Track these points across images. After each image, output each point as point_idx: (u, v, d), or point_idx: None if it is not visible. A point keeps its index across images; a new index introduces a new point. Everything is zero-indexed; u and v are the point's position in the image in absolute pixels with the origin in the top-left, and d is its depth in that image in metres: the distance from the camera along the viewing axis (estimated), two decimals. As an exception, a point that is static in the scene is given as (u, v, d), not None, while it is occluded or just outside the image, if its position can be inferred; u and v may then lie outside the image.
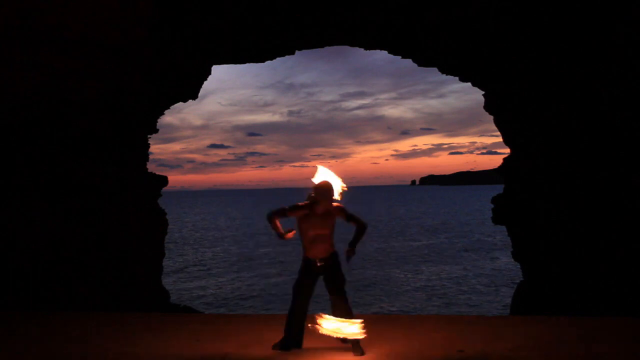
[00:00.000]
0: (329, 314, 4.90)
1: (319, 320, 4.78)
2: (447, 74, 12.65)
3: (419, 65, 12.72)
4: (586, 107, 9.76)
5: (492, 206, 12.37)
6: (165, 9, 9.84)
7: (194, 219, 79.78)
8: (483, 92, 12.50)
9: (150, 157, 11.70)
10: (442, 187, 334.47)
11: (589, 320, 6.82)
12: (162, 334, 5.93)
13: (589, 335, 5.66)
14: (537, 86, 10.50)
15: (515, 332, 5.89)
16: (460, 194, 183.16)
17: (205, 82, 12.70)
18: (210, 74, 12.64)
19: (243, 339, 5.56)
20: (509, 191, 11.98)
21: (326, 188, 4.90)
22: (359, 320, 4.79)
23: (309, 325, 4.85)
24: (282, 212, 4.90)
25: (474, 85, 12.41)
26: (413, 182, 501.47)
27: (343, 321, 4.80)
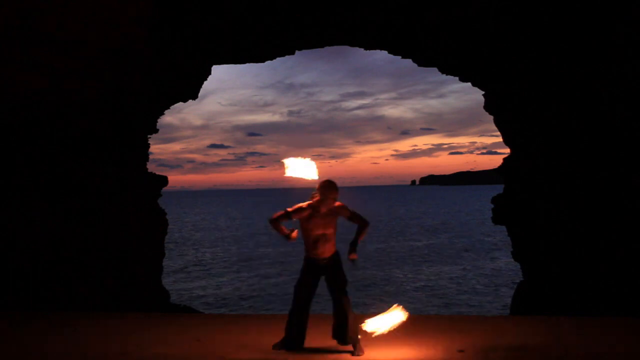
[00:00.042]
0: (334, 313, 4.92)
1: (364, 327, 4.81)
2: (447, 74, 12.64)
3: (419, 65, 12.72)
4: (586, 107, 9.75)
5: (492, 206, 12.37)
6: (165, 9, 9.84)
7: (194, 219, 79.76)
8: (483, 92, 12.49)
9: (150, 157, 11.71)
10: (442, 187, 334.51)
11: (589, 320, 6.82)
12: (162, 334, 5.93)
13: (589, 335, 5.66)
14: (537, 86, 10.50)
15: (515, 332, 5.89)
16: (460, 194, 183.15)
17: (205, 82, 12.70)
18: (210, 74, 12.64)
19: (243, 339, 5.56)
20: (509, 191, 11.98)
21: (329, 185, 4.88)
22: (395, 305, 4.82)
23: (364, 330, 4.83)
24: (285, 215, 4.86)
25: (474, 85, 12.41)
26: (413, 182, 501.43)
27: (383, 314, 4.84)
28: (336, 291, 4.94)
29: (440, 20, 10.50)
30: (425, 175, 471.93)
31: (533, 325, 6.38)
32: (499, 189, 13.32)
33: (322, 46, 12.62)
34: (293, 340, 5.02)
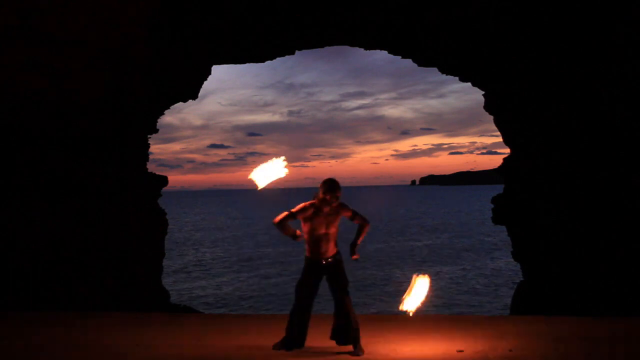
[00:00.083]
0: (335, 313, 4.93)
1: (402, 308, 4.98)
2: (447, 74, 12.65)
3: (419, 65, 12.72)
4: (586, 107, 9.76)
5: (492, 206, 12.37)
6: (165, 9, 9.84)
7: (194, 219, 79.76)
8: (483, 92, 12.50)
9: (150, 157, 11.71)
10: (442, 187, 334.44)
11: (589, 320, 6.82)
12: (162, 334, 5.93)
13: (588, 335, 5.66)
14: (537, 86, 10.50)
15: (515, 332, 5.89)
16: (460, 194, 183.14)
17: (205, 82, 12.71)
18: (210, 74, 12.65)
19: (243, 339, 5.56)
20: (509, 191, 11.98)
21: (332, 184, 4.88)
22: (415, 276, 5.02)
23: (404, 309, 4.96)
24: (290, 216, 4.83)
25: (474, 85, 12.41)
26: (413, 182, 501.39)
27: (411, 289, 5.02)
28: (338, 291, 4.93)
29: (440, 20, 10.50)
30: (425, 175, 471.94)
31: (533, 325, 6.38)
32: (499, 189, 13.32)
33: (322, 46, 12.63)
34: (294, 340, 5.02)
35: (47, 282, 8.85)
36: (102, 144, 9.49)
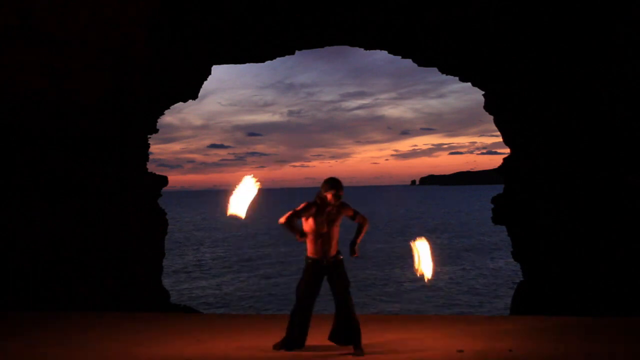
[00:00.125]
0: (336, 314, 4.93)
1: (424, 277, 5.18)
2: (447, 74, 12.66)
3: (419, 65, 12.73)
4: (586, 107, 9.76)
5: (492, 206, 12.37)
6: (165, 9, 9.84)
7: (194, 219, 79.75)
8: (483, 92, 12.50)
9: (150, 157, 11.71)
10: (442, 187, 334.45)
11: (589, 320, 6.82)
12: (162, 334, 5.92)
13: (589, 335, 5.66)
14: (537, 86, 10.51)
15: (515, 332, 5.89)
16: (460, 194, 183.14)
17: (205, 82, 12.72)
18: (210, 74, 12.65)
19: (243, 339, 5.56)
20: (509, 191, 11.99)
21: (334, 183, 4.87)
22: (413, 242, 5.16)
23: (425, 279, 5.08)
24: (295, 215, 4.81)
25: (474, 85, 12.42)
26: (413, 182, 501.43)
27: (417, 258, 5.24)
28: (340, 292, 4.91)
29: (440, 20, 10.50)
30: (425, 175, 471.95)
31: (533, 325, 6.38)
32: (499, 189, 13.33)
33: (322, 46, 12.63)
34: (294, 340, 5.01)
35: (47, 282, 8.85)
36: (102, 144, 9.49)
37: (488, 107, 12.43)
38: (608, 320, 6.67)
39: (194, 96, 12.58)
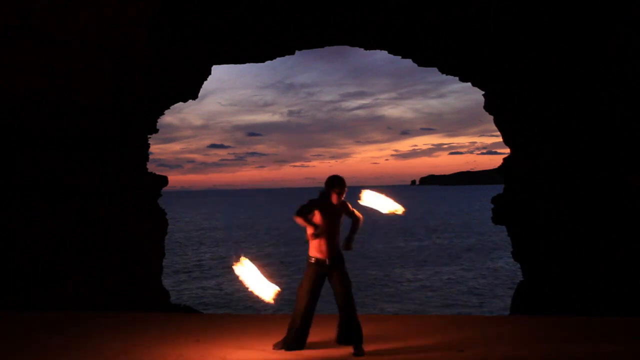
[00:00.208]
0: (340, 314, 4.91)
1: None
2: (447, 74, 12.66)
3: (419, 65, 12.73)
4: (586, 107, 9.76)
5: (492, 206, 12.37)
6: (165, 9, 9.84)
7: (195, 219, 79.77)
8: (483, 92, 12.50)
9: (150, 157, 11.72)
10: (442, 187, 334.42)
11: (589, 320, 6.82)
12: (162, 334, 5.92)
13: (589, 335, 5.66)
14: (537, 86, 10.51)
15: (515, 332, 5.89)
16: (460, 194, 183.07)
17: (205, 82, 12.73)
18: (210, 74, 12.66)
19: (243, 339, 5.56)
20: (509, 191, 11.99)
21: (338, 180, 4.86)
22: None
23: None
24: (306, 208, 4.79)
25: (474, 85, 12.42)
26: (413, 182, 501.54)
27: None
28: (341, 292, 4.89)
29: (440, 20, 10.50)
30: (425, 175, 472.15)
31: (533, 325, 6.38)
32: (499, 189, 13.33)
33: (322, 46, 12.64)
34: (295, 340, 5.00)
35: (47, 282, 8.85)
36: (102, 144, 9.49)
37: (488, 107, 12.44)
38: (608, 320, 6.67)
39: (194, 96, 12.58)
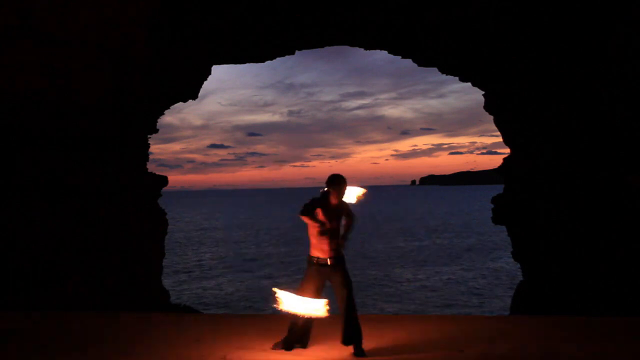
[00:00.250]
0: (342, 315, 4.88)
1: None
2: (447, 74, 12.67)
3: (419, 65, 12.74)
4: (586, 107, 9.76)
5: (492, 206, 12.38)
6: (165, 9, 9.84)
7: (195, 219, 79.79)
8: (483, 92, 12.50)
9: (150, 157, 11.72)
10: (442, 187, 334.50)
11: (589, 320, 6.82)
12: (162, 334, 5.92)
13: (589, 335, 5.66)
14: (537, 86, 10.51)
15: (515, 332, 5.89)
16: (460, 194, 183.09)
17: (205, 82, 12.74)
18: (210, 74, 12.66)
19: (243, 339, 5.56)
20: (509, 191, 11.99)
21: (340, 179, 4.86)
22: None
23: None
24: (310, 206, 4.77)
25: (474, 85, 12.42)
26: (413, 182, 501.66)
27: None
28: (342, 292, 4.88)
29: (440, 20, 10.51)
30: (425, 175, 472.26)
31: (533, 325, 6.38)
32: (499, 189, 13.33)
33: (322, 46, 12.64)
34: (295, 340, 5.00)
35: (47, 282, 8.86)
36: (102, 144, 9.49)
37: (488, 107, 12.44)
38: (608, 320, 6.67)
39: (194, 96, 12.59)
